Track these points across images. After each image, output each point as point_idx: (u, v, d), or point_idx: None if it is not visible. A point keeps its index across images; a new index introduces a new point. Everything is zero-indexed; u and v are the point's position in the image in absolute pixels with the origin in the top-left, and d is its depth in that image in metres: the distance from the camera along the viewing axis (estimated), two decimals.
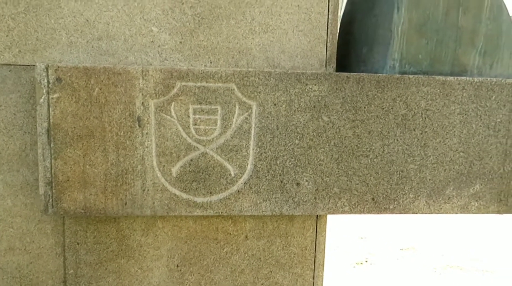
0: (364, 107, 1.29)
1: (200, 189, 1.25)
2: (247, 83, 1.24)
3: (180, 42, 1.33)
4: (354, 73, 1.28)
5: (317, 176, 1.30)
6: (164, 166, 1.23)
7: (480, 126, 1.35)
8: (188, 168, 1.24)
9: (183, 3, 1.32)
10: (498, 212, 1.42)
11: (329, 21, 1.36)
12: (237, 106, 1.24)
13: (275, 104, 1.26)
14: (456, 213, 1.39)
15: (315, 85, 1.27)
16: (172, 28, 1.32)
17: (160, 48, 1.32)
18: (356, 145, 1.30)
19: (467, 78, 1.33)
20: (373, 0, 1.38)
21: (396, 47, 1.30)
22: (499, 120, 1.36)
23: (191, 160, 1.23)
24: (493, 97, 1.35)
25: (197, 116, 1.22)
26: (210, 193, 1.25)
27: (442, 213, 1.38)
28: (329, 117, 1.28)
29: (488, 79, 1.34)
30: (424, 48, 1.32)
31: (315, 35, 1.36)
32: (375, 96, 1.29)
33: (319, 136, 1.28)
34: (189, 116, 1.21)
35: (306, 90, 1.27)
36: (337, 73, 1.28)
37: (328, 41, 1.37)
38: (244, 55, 1.34)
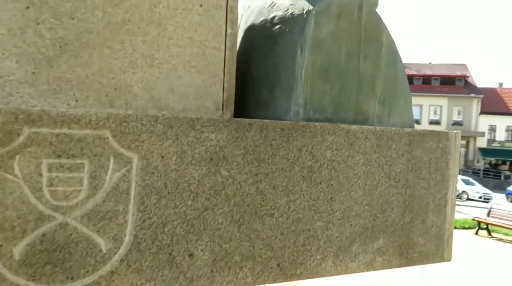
0: (268, 159, 1.12)
1: (57, 274, 0.90)
2: (127, 130, 0.96)
3: (33, 73, 0.99)
4: (257, 120, 1.11)
5: (215, 243, 1.06)
6: (1, 246, 0.86)
7: (382, 176, 1.29)
8: (39, 246, 0.89)
9: (39, 23, 1.00)
10: (400, 265, 1.35)
11: (227, 58, 1.18)
12: (112, 160, 0.95)
13: (162, 157, 1.00)
14: (362, 271, 1.28)
15: (213, 133, 1.05)
16: (22, 54, 0.99)
17: (3, 80, 0.97)
18: (260, 203, 1.11)
19: (369, 127, 1.26)
20: (274, 39, 1.25)
21: (300, 91, 1.17)
22: (398, 170, 1.32)
23: (44, 234, 0.89)
24: (393, 146, 1.30)
25: (54, 174, 0.89)
26: (72, 278, 0.92)
27: (349, 273, 1.26)
28: (229, 171, 1.07)
29: (388, 128, 1.29)
30: (328, 94, 1.22)
31: (210, 73, 1.16)
32: (280, 146, 1.13)
33: (217, 195, 1.06)
34: (41, 175, 0.88)
35: (202, 139, 1.04)
36: (238, 119, 1.09)
37: (225, 80, 1.18)
38: (122, 93, 1.06)
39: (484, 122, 40.76)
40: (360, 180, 1.25)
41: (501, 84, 45.81)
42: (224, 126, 1.07)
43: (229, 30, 1.18)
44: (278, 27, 1.24)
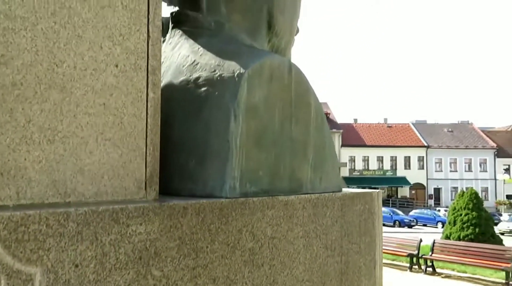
0: (207, 247, 0.94)
1: None
2: (25, 236, 0.70)
3: None
4: (192, 202, 0.93)
5: None
6: None
7: (320, 247, 1.21)
8: None
9: None
10: None
11: (149, 127, 0.99)
12: (3, 281, 0.67)
13: (77, 266, 0.75)
14: None
15: (141, 224, 0.84)
16: None
17: None
18: None
19: (306, 196, 1.18)
20: (200, 103, 1.10)
21: (236, 162, 1.04)
22: (334, 238, 1.25)
23: None
24: (328, 213, 1.24)
25: None
26: None
27: None
28: (162, 270, 0.86)
29: (322, 194, 1.23)
30: (263, 163, 1.11)
31: (129, 145, 0.95)
32: (219, 230, 0.97)
33: None
34: None
35: (128, 235, 0.82)
36: (170, 203, 0.90)
37: (147, 153, 0.98)
38: (11, 179, 0.79)
39: (345, 154, 45.68)
40: (300, 255, 1.15)
41: (355, 120, 52.24)
42: (155, 214, 0.86)
43: (150, 94, 1.00)
44: (205, 90, 1.10)
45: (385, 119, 52.62)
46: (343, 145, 44.99)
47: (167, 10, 1.39)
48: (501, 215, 35.39)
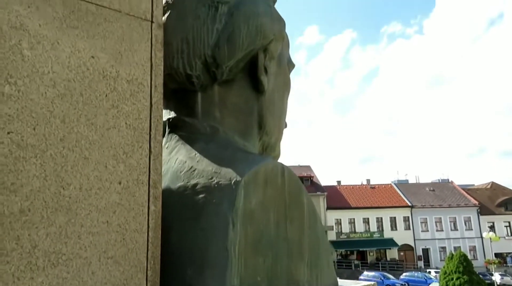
0: None
1: None
2: None
3: None
4: None
5: None
6: None
7: None
8: None
9: None
10: None
11: (150, 240, 1.01)
12: None
13: None
14: None
15: None
16: None
17: None
18: None
19: None
20: (198, 210, 1.13)
21: (235, 270, 1.05)
22: None
23: None
24: None
25: None
26: None
27: None
28: None
29: None
30: (261, 268, 1.12)
31: (131, 261, 0.96)
32: None
33: None
34: None
35: None
36: None
37: (148, 267, 1.00)
38: None
39: (331, 217, 45.26)
40: None
41: (339, 182, 52.52)
42: None
43: (152, 208, 1.03)
44: (203, 197, 1.14)
45: (368, 180, 53.09)
46: (328, 208, 44.73)
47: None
48: (492, 275, 34.81)
